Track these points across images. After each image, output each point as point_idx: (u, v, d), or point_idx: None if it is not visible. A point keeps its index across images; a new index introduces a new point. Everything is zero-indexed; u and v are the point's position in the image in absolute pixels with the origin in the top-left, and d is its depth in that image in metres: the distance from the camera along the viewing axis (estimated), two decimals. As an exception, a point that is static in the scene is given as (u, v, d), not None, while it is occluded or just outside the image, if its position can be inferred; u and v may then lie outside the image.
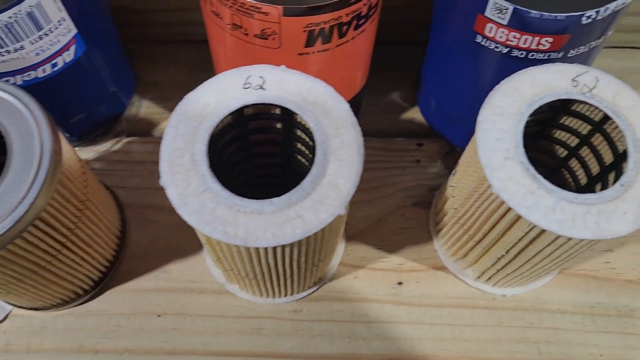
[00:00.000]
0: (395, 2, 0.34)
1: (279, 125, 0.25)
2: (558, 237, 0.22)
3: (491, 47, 0.26)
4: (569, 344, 0.29)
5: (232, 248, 0.22)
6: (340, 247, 0.31)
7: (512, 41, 0.25)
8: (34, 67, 0.25)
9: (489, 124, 0.23)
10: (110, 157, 0.33)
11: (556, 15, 0.23)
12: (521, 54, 0.25)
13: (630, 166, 0.22)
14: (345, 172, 0.21)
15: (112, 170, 0.32)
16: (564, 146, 0.27)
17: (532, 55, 0.25)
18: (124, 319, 0.29)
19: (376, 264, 0.31)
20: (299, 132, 0.25)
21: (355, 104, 0.33)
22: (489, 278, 0.29)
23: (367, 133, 0.34)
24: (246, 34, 0.25)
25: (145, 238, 0.31)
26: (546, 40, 0.24)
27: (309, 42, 0.25)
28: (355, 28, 0.25)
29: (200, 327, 0.29)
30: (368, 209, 0.32)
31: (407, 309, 0.30)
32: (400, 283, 0.30)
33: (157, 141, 0.33)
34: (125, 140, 0.33)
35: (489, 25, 0.25)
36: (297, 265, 0.24)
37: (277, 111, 0.24)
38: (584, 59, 0.26)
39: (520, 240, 0.24)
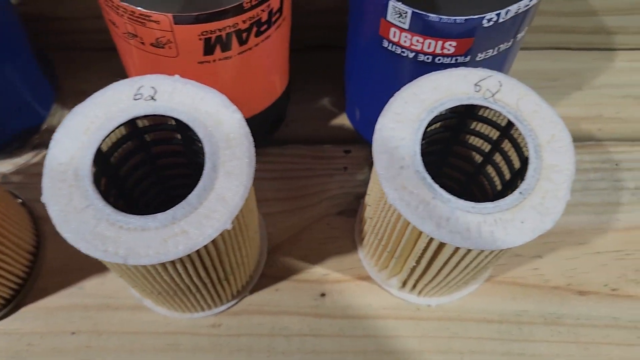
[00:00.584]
0: (320, 5, 0.33)
1: (179, 136, 0.24)
2: (455, 249, 0.21)
3: (398, 52, 0.25)
4: (494, 354, 0.28)
5: (122, 266, 0.21)
6: (262, 259, 0.30)
7: (416, 45, 0.24)
8: None
9: (387, 131, 0.22)
10: (28, 170, 0.32)
11: (455, 19, 0.23)
12: (427, 58, 0.25)
13: (530, 173, 0.22)
14: (233, 185, 0.21)
15: (30, 183, 0.31)
16: (478, 152, 0.26)
17: (439, 60, 0.25)
18: (37, 337, 0.28)
19: (299, 275, 0.30)
20: (197, 143, 0.24)
21: (278, 111, 0.32)
22: (413, 288, 0.29)
23: (295, 140, 0.34)
24: (142, 43, 0.24)
25: (61, 253, 0.30)
26: (450, 45, 0.24)
27: (208, 50, 0.24)
28: (257, 35, 0.25)
29: (116, 345, 0.28)
30: (293, 219, 0.31)
31: (329, 321, 0.29)
32: (323, 294, 0.30)
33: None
34: (45, 152, 0.32)
35: (392, 29, 0.24)
36: (199, 281, 0.24)
37: (173, 122, 0.23)
38: (495, 63, 0.26)
39: (425, 250, 0.23)
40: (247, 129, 0.22)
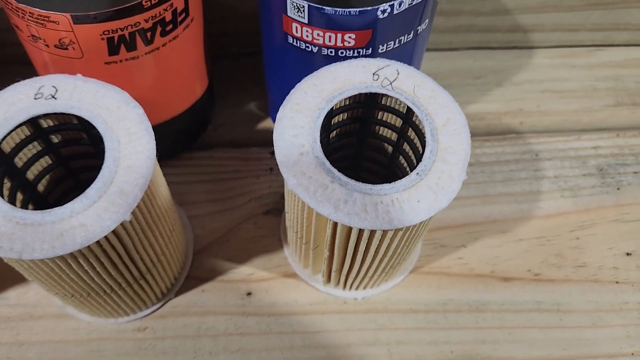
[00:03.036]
0: (243, 11, 0.34)
1: (85, 136, 0.24)
2: (359, 231, 0.22)
3: (302, 47, 0.26)
4: (420, 343, 0.29)
5: (23, 264, 0.21)
6: (188, 260, 0.30)
7: (317, 39, 0.25)
8: None
9: (287, 121, 0.23)
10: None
11: (349, 11, 0.23)
12: (330, 52, 0.25)
13: (426, 155, 0.22)
14: (132, 177, 0.21)
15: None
16: (388, 142, 0.27)
17: (342, 53, 0.25)
18: (-46, 351, 0.27)
19: (225, 276, 0.30)
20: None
21: (200, 113, 0.32)
22: (337, 282, 0.29)
23: (222, 144, 0.34)
24: (47, 45, 0.24)
25: None
26: (349, 37, 0.25)
27: (113, 50, 0.24)
28: (163, 34, 0.25)
29: (37, 354, 0.28)
30: (220, 220, 0.31)
31: (256, 319, 0.29)
32: (249, 293, 0.30)
33: None
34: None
35: (294, 24, 0.25)
36: (112, 280, 0.24)
37: (75, 121, 0.23)
38: (399, 56, 0.26)
39: (334, 237, 0.23)
40: (148, 124, 0.22)
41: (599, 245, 0.32)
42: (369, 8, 0.23)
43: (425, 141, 0.24)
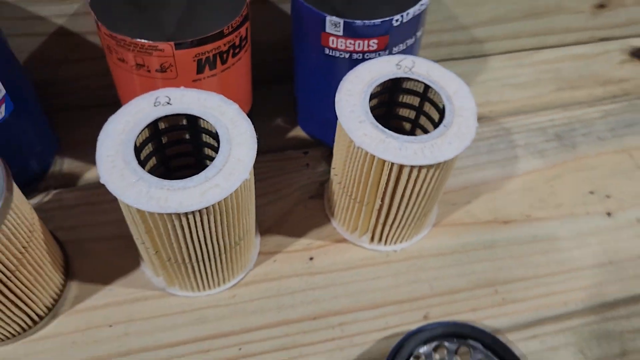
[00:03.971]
0: (270, 40, 0.43)
1: (187, 136, 0.32)
2: (410, 169, 0.30)
3: (337, 55, 0.34)
4: (452, 277, 0.36)
5: (168, 225, 0.28)
6: (257, 240, 0.37)
7: (350, 47, 0.33)
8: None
9: (343, 101, 0.31)
10: (43, 207, 0.37)
11: (374, 22, 0.32)
12: (359, 56, 0.34)
13: (447, 113, 0.31)
14: (244, 150, 0.28)
15: (47, 217, 0.37)
16: (407, 120, 0.36)
17: (367, 56, 0.34)
18: (78, 335, 0.33)
19: (290, 247, 0.37)
20: (204, 137, 0.31)
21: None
22: (380, 239, 0.37)
23: (264, 151, 0.42)
24: (149, 71, 0.31)
25: (88, 266, 0.35)
26: (374, 42, 0.33)
27: (200, 70, 0.32)
28: (233, 56, 0.33)
29: (149, 327, 0.33)
30: (275, 207, 0.39)
31: (322, 276, 0.36)
32: (311, 258, 0.36)
33: (85, 188, 0.38)
34: (55, 192, 0.38)
35: (331, 38, 0.33)
36: (222, 238, 0.30)
37: (184, 122, 0.30)
38: (405, 54, 0.35)
39: (387, 184, 0.31)
40: (244, 114, 0.30)
41: (568, 189, 0.41)
42: (387, 18, 0.32)
43: (440, 108, 0.32)
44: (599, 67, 0.50)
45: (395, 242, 0.37)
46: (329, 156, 0.41)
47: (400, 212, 0.33)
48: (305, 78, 0.38)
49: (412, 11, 0.33)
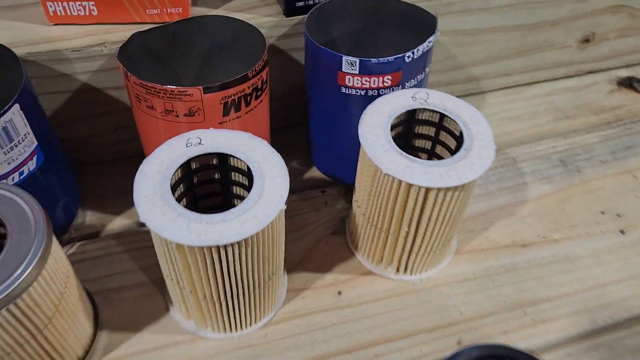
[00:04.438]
0: (274, 105, 0.44)
1: (217, 176, 0.32)
2: (437, 192, 0.31)
3: (353, 93, 0.36)
4: (480, 300, 0.37)
5: (207, 260, 0.28)
6: (285, 278, 0.37)
7: (365, 84, 0.35)
8: (5, 175, 0.31)
9: (366, 132, 0.32)
10: (69, 259, 0.37)
11: (388, 59, 0.34)
12: (374, 92, 0.36)
13: (466, 138, 0.32)
14: (278, 182, 0.29)
15: (73, 268, 0.37)
16: (423, 151, 0.37)
17: (382, 92, 0.36)
18: (112, 385, 0.32)
19: (317, 283, 0.37)
20: (234, 176, 0.32)
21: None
22: (405, 269, 0.37)
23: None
24: (177, 116, 0.33)
25: (117, 315, 0.35)
26: (388, 79, 0.35)
27: (225, 112, 0.33)
28: (256, 98, 0.34)
29: (183, 373, 0.33)
30: (298, 245, 0.39)
31: (351, 309, 0.36)
32: (339, 292, 0.37)
33: (108, 239, 0.39)
34: (78, 243, 0.38)
35: (347, 77, 0.35)
36: (257, 272, 0.30)
37: (215, 161, 0.31)
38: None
39: (413, 209, 0.32)
40: (273, 149, 0.31)
41: (579, 210, 0.42)
42: (400, 55, 0.34)
43: (457, 135, 0.34)
44: (590, 97, 0.53)
45: (420, 272, 0.38)
46: (346, 193, 0.42)
47: (427, 238, 0.34)
48: (321, 118, 0.40)
49: (422, 47, 0.35)
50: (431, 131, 0.36)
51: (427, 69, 0.37)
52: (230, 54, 0.36)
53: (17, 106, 0.30)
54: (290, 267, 0.38)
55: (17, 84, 0.31)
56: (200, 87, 0.32)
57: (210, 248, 0.27)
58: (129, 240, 0.39)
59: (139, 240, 0.39)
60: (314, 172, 0.44)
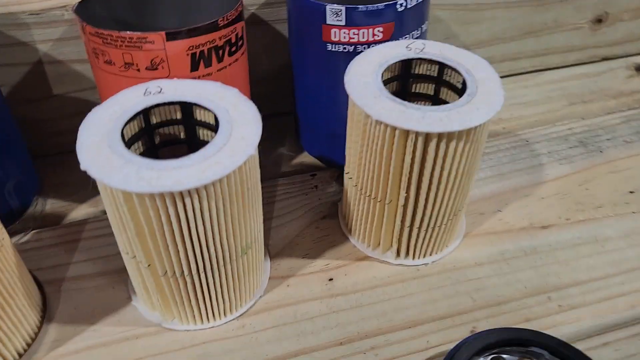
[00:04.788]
0: (260, 89, 0.41)
1: (182, 136, 0.28)
2: (438, 140, 0.26)
3: (341, 50, 0.32)
4: (496, 286, 0.31)
5: (162, 217, 0.23)
6: (267, 264, 0.32)
7: (353, 38, 0.31)
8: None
9: (354, 81, 0.28)
10: (20, 247, 0.33)
11: (377, 6, 0.30)
12: (364, 47, 0.32)
13: (469, 84, 0.28)
14: (249, 128, 0.25)
15: (25, 257, 0.32)
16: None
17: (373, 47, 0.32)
18: (57, 385, 0.27)
19: (304, 270, 0.32)
20: (202, 134, 0.28)
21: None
22: (407, 253, 0.32)
23: (264, 178, 0.38)
24: (138, 70, 0.29)
25: (70, 307, 0.30)
26: (378, 31, 0.31)
27: (194, 66, 0.29)
28: (230, 54, 0.31)
29: (144, 370, 0.27)
30: (285, 230, 0.34)
31: (344, 298, 0.31)
32: (331, 279, 0.31)
33: (69, 227, 0.34)
34: (34, 232, 0.34)
35: (333, 30, 0.31)
36: (227, 239, 0.25)
37: (177, 114, 0.27)
38: (413, 48, 0.33)
39: (411, 166, 0.27)
40: (245, 98, 0.26)
41: (605, 190, 0.37)
42: (391, 2, 0.30)
43: (460, 88, 0.29)
44: (606, 83, 0.48)
45: (424, 255, 0.32)
46: (339, 177, 0.38)
47: (429, 207, 0.29)
48: (306, 85, 0.35)
49: (416, -3, 0.31)
50: (430, 89, 0.31)
51: (423, 27, 0.33)
52: (202, 10, 0.33)
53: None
54: (274, 252, 0.33)
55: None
56: (163, 33, 0.28)
57: (163, 197, 0.22)
58: (91, 227, 0.34)
59: (103, 227, 0.34)
60: (305, 158, 0.40)
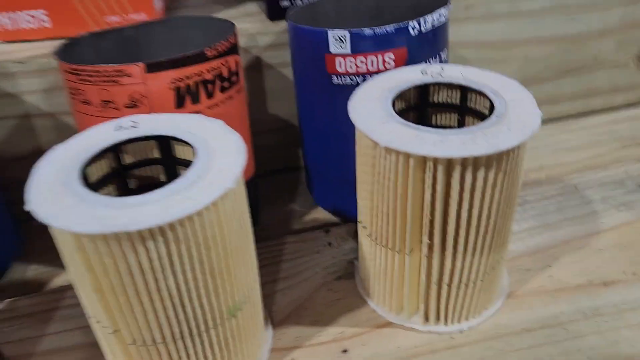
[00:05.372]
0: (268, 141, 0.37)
1: (163, 178, 0.24)
2: (462, 167, 0.21)
3: (348, 82, 0.28)
4: (552, 357, 0.25)
5: (120, 265, 0.19)
6: (268, 334, 0.27)
7: (360, 67, 0.27)
8: None
9: (359, 106, 0.24)
10: (-11, 319, 0.29)
11: (385, 28, 0.27)
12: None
13: (497, 105, 0.23)
14: (231, 159, 0.21)
15: (-8, 331, 0.28)
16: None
17: (385, 77, 0.28)
18: None
19: (313, 340, 0.26)
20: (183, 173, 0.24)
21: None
22: (438, 315, 0.26)
23: (270, 237, 0.34)
24: (117, 109, 0.25)
25: (32, 388, 0.25)
26: (389, 57, 0.27)
27: (179, 102, 0.26)
28: (222, 90, 0.27)
29: None
30: (292, 293, 0.29)
31: (361, 374, 0.25)
32: (345, 351, 0.26)
33: (46, 294, 0.30)
34: (8, 300, 0.30)
35: (338, 59, 0.28)
36: (204, 295, 0.21)
37: (155, 154, 0.23)
38: (432, 78, 0.29)
39: (432, 203, 0.22)
40: (230, 129, 0.23)
41: (678, 239, 0.31)
42: (402, 25, 0.27)
43: (487, 114, 0.25)
44: (662, 125, 0.43)
45: (459, 319, 0.26)
46: (356, 232, 0.33)
47: (459, 259, 0.24)
48: (313, 126, 0.31)
49: (431, 19, 0.28)
50: (452, 119, 0.27)
51: (442, 54, 0.29)
52: (194, 46, 0.30)
53: None
54: (278, 319, 0.28)
55: None
56: (142, 64, 0.25)
57: (118, 240, 0.18)
58: (71, 294, 0.30)
59: (85, 294, 0.30)
60: (318, 214, 0.35)
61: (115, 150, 0.23)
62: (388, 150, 0.22)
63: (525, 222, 0.33)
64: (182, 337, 0.21)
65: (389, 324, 0.27)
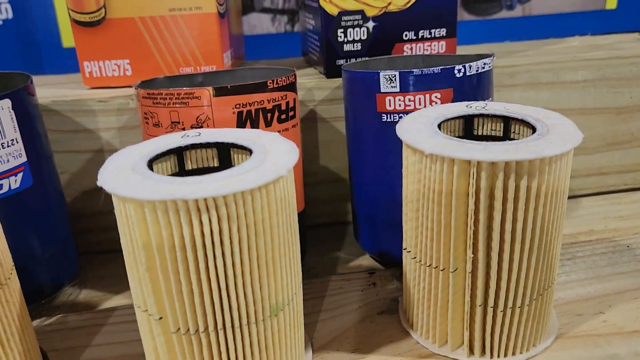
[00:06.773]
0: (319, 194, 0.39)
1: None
2: (505, 176, 0.22)
3: (396, 120, 0.30)
4: (607, 394, 0.23)
5: (175, 241, 0.20)
6: (307, 356, 0.26)
7: (409, 105, 0.29)
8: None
9: (406, 126, 0.25)
10: (43, 329, 0.29)
11: (433, 69, 0.29)
12: (421, 116, 0.30)
13: (538, 127, 0.24)
14: (285, 157, 0.22)
15: (44, 338, 0.29)
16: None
17: (431, 115, 0.30)
18: None
19: (354, 365, 0.26)
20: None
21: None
22: (483, 347, 0.25)
23: (316, 275, 0.34)
24: (183, 129, 0.28)
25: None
26: (436, 97, 0.29)
27: (240, 126, 0.28)
28: (279, 121, 0.29)
29: None
30: (334, 323, 0.29)
31: (402, 399, 0.24)
32: (386, 377, 0.25)
33: (96, 312, 0.31)
34: (60, 315, 0.31)
35: (387, 98, 0.30)
36: (250, 284, 0.21)
37: (215, 162, 0.25)
38: (477, 121, 0.31)
39: (476, 212, 0.23)
40: (285, 138, 0.24)
41: None
42: (449, 67, 0.29)
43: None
44: None
45: (506, 353, 0.26)
46: (400, 276, 0.33)
47: (504, 277, 0.24)
48: (362, 167, 0.33)
49: (475, 65, 0.30)
50: (497, 152, 0.28)
51: (488, 100, 0.31)
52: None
53: (7, 101, 0.27)
54: (318, 346, 0.27)
55: (15, 85, 0.29)
56: (210, 88, 0.27)
57: (176, 208, 0.19)
58: (119, 314, 0.31)
59: (132, 314, 0.31)
60: (363, 261, 0.36)
61: (178, 153, 0.25)
62: (433, 158, 0.23)
63: (575, 274, 0.32)
64: (224, 327, 0.22)
65: (432, 356, 0.26)
